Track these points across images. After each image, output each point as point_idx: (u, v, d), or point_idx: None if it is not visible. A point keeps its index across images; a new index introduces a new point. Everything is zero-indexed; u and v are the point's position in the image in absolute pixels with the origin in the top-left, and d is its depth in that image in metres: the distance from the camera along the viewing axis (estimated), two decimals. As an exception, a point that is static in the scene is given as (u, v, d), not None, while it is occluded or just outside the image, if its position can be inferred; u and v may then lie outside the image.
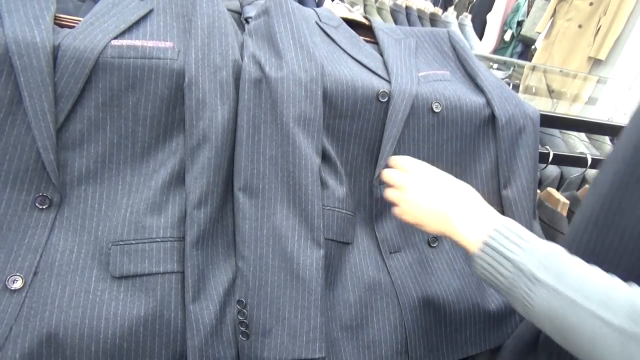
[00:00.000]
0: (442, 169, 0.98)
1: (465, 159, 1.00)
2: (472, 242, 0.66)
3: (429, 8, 2.93)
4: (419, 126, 0.94)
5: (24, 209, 0.74)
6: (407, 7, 2.78)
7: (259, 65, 0.83)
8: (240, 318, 0.80)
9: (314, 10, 1.03)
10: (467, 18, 2.97)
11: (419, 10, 2.83)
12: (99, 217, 0.77)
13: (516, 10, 4.65)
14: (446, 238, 0.73)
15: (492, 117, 0.99)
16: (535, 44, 4.22)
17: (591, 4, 3.38)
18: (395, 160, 0.82)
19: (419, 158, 0.97)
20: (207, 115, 0.79)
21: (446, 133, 0.97)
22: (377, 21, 1.11)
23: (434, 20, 2.89)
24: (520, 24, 4.58)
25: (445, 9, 2.93)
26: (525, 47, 4.57)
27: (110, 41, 0.76)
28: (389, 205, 0.92)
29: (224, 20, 0.85)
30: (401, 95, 0.91)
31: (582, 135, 1.84)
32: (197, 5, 0.85)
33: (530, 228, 1.00)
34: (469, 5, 3.15)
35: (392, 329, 0.89)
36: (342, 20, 1.05)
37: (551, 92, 2.88)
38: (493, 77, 1.03)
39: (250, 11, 1.03)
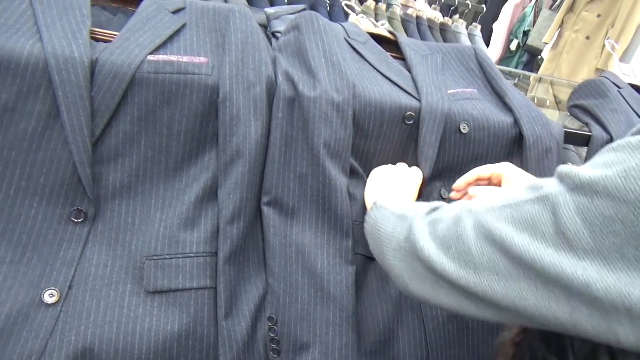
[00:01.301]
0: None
1: None
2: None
3: (439, 18, 2.94)
4: (445, 146, 0.94)
5: (60, 223, 0.74)
6: (417, 17, 2.79)
7: (292, 83, 0.84)
8: (272, 335, 0.80)
9: (342, 25, 1.04)
10: (476, 29, 2.98)
11: (429, 20, 2.84)
12: (132, 232, 0.77)
13: (522, 20, 4.66)
14: None
15: (520, 137, 0.99)
16: (542, 54, 4.23)
17: (599, 16, 3.39)
18: None
19: (442, 176, 0.97)
20: (241, 132, 0.79)
21: (472, 153, 0.97)
22: (402, 36, 1.11)
23: (444, 30, 2.90)
24: (526, 33, 4.60)
25: (450, 17, 2.94)
26: (531, 57, 4.58)
27: (146, 56, 0.76)
28: None
29: (257, 35, 0.85)
30: (433, 114, 0.91)
31: (596, 149, 1.84)
32: (230, 20, 0.85)
33: None
34: (478, 15, 3.16)
35: (417, 343, 0.89)
36: (369, 36, 1.05)
37: (558, 104, 2.89)
38: (521, 95, 1.04)
39: (278, 25, 1.03)
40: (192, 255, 0.77)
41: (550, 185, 0.46)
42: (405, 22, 2.73)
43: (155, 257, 0.76)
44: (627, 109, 1.11)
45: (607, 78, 1.19)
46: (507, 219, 0.48)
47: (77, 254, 0.74)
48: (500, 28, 4.77)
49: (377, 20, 2.56)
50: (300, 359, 0.79)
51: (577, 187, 0.43)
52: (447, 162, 0.96)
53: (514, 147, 1.01)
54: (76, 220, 0.75)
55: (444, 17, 2.95)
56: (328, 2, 2.58)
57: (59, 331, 0.70)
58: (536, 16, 4.56)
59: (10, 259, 0.71)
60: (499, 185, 0.87)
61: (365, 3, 2.76)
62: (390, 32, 1.13)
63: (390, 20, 2.74)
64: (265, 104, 0.81)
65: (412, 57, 1.04)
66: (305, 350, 0.79)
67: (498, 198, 0.52)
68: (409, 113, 0.90)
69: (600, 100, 1.12)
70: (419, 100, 0.93)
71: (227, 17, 0.86)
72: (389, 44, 1.12)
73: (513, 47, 4.69)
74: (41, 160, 0.72)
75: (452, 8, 3.04)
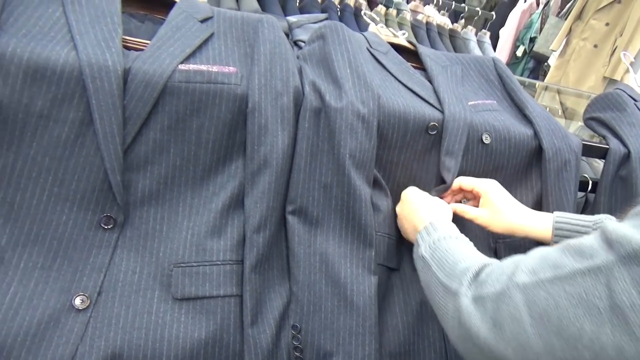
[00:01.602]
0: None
1: (508, 188, 1.01)
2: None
3: (448, 24, 2.95)
4: (468, 157, 0.95)
5: (89, 229, 0.75)
6: (427, 23, 2.80)
7: (319, 93, 0.85)
8: (295, 343, 0.81)
9: (364, 35, 1.05)
10: (485, 35, 2.99)
11: (438, 26, 2.85)
12: (160, 238, 0.78)
13: (529, 26, 4.67)
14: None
15: (539, 149, 1.00)
16: (549, 61, 4.24)
17: (607, 24, 3.40)
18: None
19: None
20: (269, 141, 0.80)
21: (493, 164, 0.98)
22: (421, 46, 1.12)
23: (453, 36, 2.91)
24: (532, 40, 4.61)
25: (457, 22, 2.96)
26: (537, 64, 4.60)
27: (177, 65, 0.77)
28: None
29: (284, 46, 0.86)
30: (455, 124, 0.92)
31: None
32: (259, 31, 0.86)
33: None
34: (487, 22, 3.18)
35: (437, 356, 0.90)
36: (390, 46, 1.06)
37: (565, 110, 2.90)
38: (540, 108, 1.05)
39: (300, 34, 1.05)
40: (219, 262, 0.78)
41: (600, 253, 0.45)
42: (414, 27, 2.74)
43: (182, 264, 0.76)
44: (645, 122, 1.12)
45: (623, 90, 1.20)
46: (560, 294, 0.46)
47: (106, 260, 0.75)
48: (507, 34, 4.78)
49: (386, 25, 2.57)
50: None
51: (631, 256, 0.41)
52: (469, 172, 0.96)
53: (533, 159, 1.02)
54: (105, 227, 0.76)
55: (452, 23, 2.97)
56: (339, 7, 2.59)
57: (88, 336, 0.71)
58: (543, 23, 4.57)
59: (41, 264, 0.72)
60: (477, 198, 0.90)
61: (375, 8, 2.77)
62: (410, 42, 1.14)
63: (400, 25, 2.75)
64: (292, 113, 0.82)
65: (433, 67, 1.05)
66: (328, 358, 0.80)
67: (541, 264, 0.51)
68: (432, 123, 0.91)
69: (618, 113, 1.13)
70: (441, 111, 0.94)
71: (256, 27, 0.87)
72: (408, 54, 1.13)
73: (519, 53, 4.70)
74: (73, 166, 0.73)
75: (464, 16, 3.05)
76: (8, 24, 0.73)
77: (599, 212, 1.13)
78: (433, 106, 0.94)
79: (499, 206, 0.86)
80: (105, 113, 0.72)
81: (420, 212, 0.83)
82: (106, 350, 0.70)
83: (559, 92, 3.23)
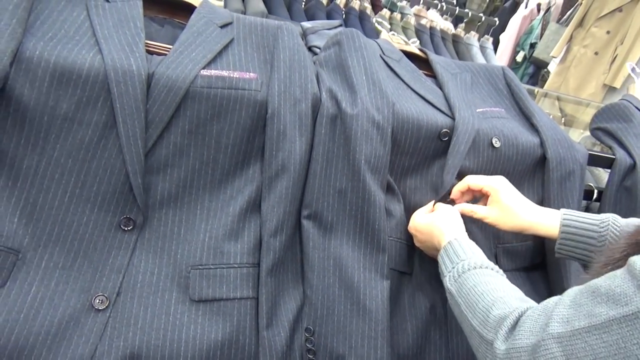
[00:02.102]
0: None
1: None
2: None
3: (451, 29, 2.97)
4: (479, 160, 0.96)
5: (109, 230, 0.76)
6: (431, 28, 2.82)
7: (335, 100, 0.86)
8: (308, 345, 0.82)
9: (377, 42, 1.06)
10: (488, 41, 3.01)
11: (442, 31, 2.87)
12: (178, 241, 0.79)
13: (530, 32, 4.70)
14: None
15: (544, 158, 1.02)
16: (549, 67, 4.27)
17: (608, 32, 3.43)
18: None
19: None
20: (287, 147, 0.81)
21: (500, 168, 1.00)
22: (432, 54, 1.14)
23: (456, 42, 2.93)
24: (533, 46, 4.64)
25: (456, 27, 2.98)
26: (537, 69, 4.62)
27: (200, 71, 0.78)
28: None
29: (303, 53, 0.87)
30: (464, 129, 0.93)
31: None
32: (279, 38, 0.87)
33: (569, 268, 1.03)
34: (490, 28, 3.20)
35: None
36: (402, 54, 1.08)
37: (564, 117, 2.93)
38: (547, 117, 1.06)
39: (315, 40, 1.06)
40: (236, 265, 0.79)
41: (634, 299, 0.46)
42: (418, 32, 2.76)
43: (200, 267, 0.78)
44: (650, 134, 1.14)
45: (629, 102, 1.22)
46: (598, 344, 0.47)
47: (125, 261, 0.76)
48: (507, 39, 4.80)
49: (390, 29, 2.58)
50: None
51: None
52: (478, 174, 0.98)
53: (537, 167, 1.04)
54: (125, 228, 0.77)
55: (455, 28, 2.99)
56: (344, 9, 2.61)
57: (107, 336, 0.72)
58: (543, 29, 4.60)
59: (62, 264, 0.73)
60: (485, 197, 0.90)
61: (380, 12, 2.79)
62: (421, 50, 1.16)
63: (404, 29, 2.77)
64: (310, 120, 0.84)
65: (443, 75, 1.07)
66: None
67: (575, 313, 0.52)
68: (444, 130, 0.93)
69: (624, 124, 1.15)
70: (452, 118, 0.95)
71: (275, 34, 0.88)
72: (419, 61, 1.15)
73: (519, 58, 4.72)
74: (95, 168, 0.74)
75: (466, 20, 3.07)
76: (35, 27, 0.74)
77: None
78: (444, 113, 0.96)
79: (507, 204, 0.86)
80: (128, 117, 0.73)
81: (438, 222, 0.84)
82: (125, 350, 0.72)
83: (558, 99, 3.26)
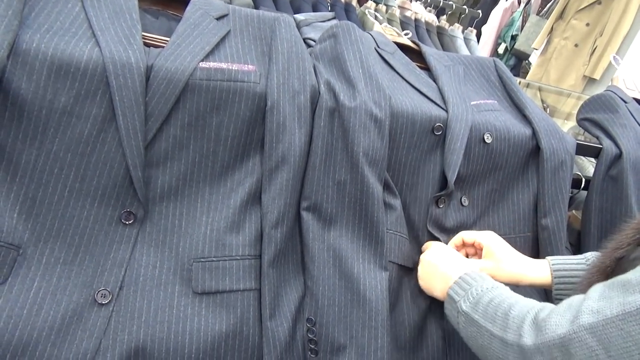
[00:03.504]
0: (482, 195, 1.03)
1: (506, 186, 1.05)
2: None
3: (435, 21, 2.99)
4: (470, 156, 0.98)
5: (110, 224, 0.76)
6: (416, 20, 2.83)
7: (333, 93, 0.87)
8: (310, 336, 0.83)
9: (371, 34, 1.07)
10: (472, 33, 3.04)
11: (427, 24, 2.89)
12: (179, 234, 0.79)
13: (511, 24, 4.76)
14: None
15: (537, 149, 1.04)
16: (530, 59, 4.33)
17: (588, 24, 3.49)
18: (425, 245, 0.95)
19: (464, 186, 1.01)
20: (287, 139, 0.81)
21: (492, 162, 1.01)
22: (425, 46, 1.15)
23: (440, 33, 2.95)
24: (514, 38, 4.70)
25: (438, 18, 3.01)
26: (518, 61, 4.69)
27: (198, 63, 0.78)
28: (442, 230, 0.97)
29: (300, 45, 0.87)
30: (459, 123, 0.95)
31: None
32: (276, 30, 0.87)
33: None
34: (474, 20, 3.23)
35: (440, 355, 0.94)
36: (396, 47, 1.08)
37: (546, 107, 2.98)
38: (538, 109, 1.08)
39: (309, 32, 1.06)
40: (238, 257, 0.79)
41: None
42: (403, 24, 2.78)
43: (202, 259, 0.78)
44: (634, 124, 1.17)
45: (614, 93, 1.25)
46: (637, 330, 0.49)
47: (127, 255, 0.76)
48: (489, 31, 4.85)
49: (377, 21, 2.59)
50: (336, 359, 0.82)
51: None
52: (470, 171, 1.00)
53: (530, 159, 1.06)
54: (126, 222, 0.76)
55: (438, 20, 3.01)
56: (329, 1, 2.60)
57: (111, 330, 0.72)
58: (524, 21, 4.66)
59: (63, 259, 0.73)
60: (479, 249, 0.93)
61: (365, 4, 2.79)
62: (413, 42, 1.17)
63: (389, 22, 2.78)
64: (309, 111, 0.84)
65: (437, 67, 1.08)
66: (341, 351, 0.82)
67: (605, 304, 0.53)
68: (437, 124, 0.94)
69: (611, 114, 1.18)
70: (446, 111, 0.96)
71: (273, 26, 0.88)
72: (411, 53, 1.16)
73: (501, 50, 4.78)
74: (94, 162, 0.74)
75: (449, 12, 3.09)
76: (30, 19, 0.72)
77: (590, 210, 1.18)
78: (439, 106, 0.97)
79: (499, 256, 0.89)
80: (128, 110, 0.72)
81: (442, 267, 0.85)
82: (129, 344, 0.72)
83: (540, 89, 3.31)
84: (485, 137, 0.99)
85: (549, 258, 0.88)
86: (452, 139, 0.94)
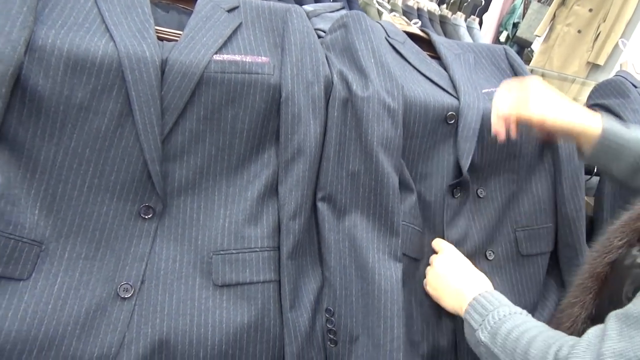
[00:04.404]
0: (499, 186, 1.02)
1: (523, 177, 1.05)
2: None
3: (438, 10, 2.98)
4: (483, 144, 0.98)
5: (129, 219, 0.76)
6: (418, 9, 2.82)
7: (346, 83, 0.86)
8: (329, 326, 0.83)
9: (381, 24, 1.06)
10: (475, 21, 3.02)
11: (429, 12, 2.87)
12: (197, 227, 0.79)
13: (512, 12, 4.74)
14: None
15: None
16: (533, 46, 4.31)
17: (591, 10, 3.47)
18: (435, 242, 0.94)
19: (479, 177, 1.01)
20: (302, 130, 0.81)
21: (506, 151, 1.01)
22: (434, 35, 1.15)
23: (443, 22, 2.93)
24: (515, 25, 4.67)
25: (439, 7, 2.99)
26: (520, 49, 4.67)
27: (212, 56, 0.78)
28: (456, 221, 0.97)
29: (313, 35, 0.87)
30: (470, 111, 0.94)
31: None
32: (288, 21, 0.87)
33: (582, 249, 1.05)
34: (476, 9, 3.22)
35: (450, 348, 0.94)
36: (406, 36, 1.08)
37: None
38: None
39: (318, 23, 1.05)
40: (257, 249, 0.80)
41: None
42: (406, 13, 2.76)
43: (222, 252, 0.78)
44: (646, 108, 1.17)
45: (624, 77, 1.24)
46: None
47: (147, 249, 0.76)
48: (490, 19, 4.83)
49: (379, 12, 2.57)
50: (355, 348, 0.83)
51: None
52: (484, 160, 1.00)
53: (544, 147, 1.06)
54: (145, 216, 0.77)
55: (448, 11, 2.99)
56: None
57: (134, 324, 0.72)
58: (525, 8, 4.64)
59: (85, 254, 0.73)
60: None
61: (368, -7, 2.77)
62: (423, 31, 1.16)
63: (392, 11, 2.76)
64: (323, 102, 0.84)
65: (447, 55, 1.08)
66: (358, 341, 0.83)
67: (626, 343, 0.53)
68: (450, 113, 0.94)
69: (622, 99, 1.18)
70: (458, 99, 0.96)
71: (284, 18, 0.87)
72: (421, 42, 1.15)
73: (502, 38, 4.75)
74: (112, 157, 0.74)
75: (450, 1, 3.08)
76: (44, 14, 0.72)
77: (602, 195, 1.18)
78: (450, 94, 0.97)
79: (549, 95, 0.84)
80: (144, 104, 0.72)
81: (454, 282, 0.84)
82: (153, 337, 0.72)
83: (543, 75, 3.30)
84: None
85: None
86: (465, 126, 0.94)
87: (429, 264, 0.93)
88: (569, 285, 0.77)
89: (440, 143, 0.96)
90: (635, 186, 0.82)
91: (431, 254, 0.95)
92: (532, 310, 1.03)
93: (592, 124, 0.82)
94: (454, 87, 0.99)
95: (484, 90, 1.03)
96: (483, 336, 0.71)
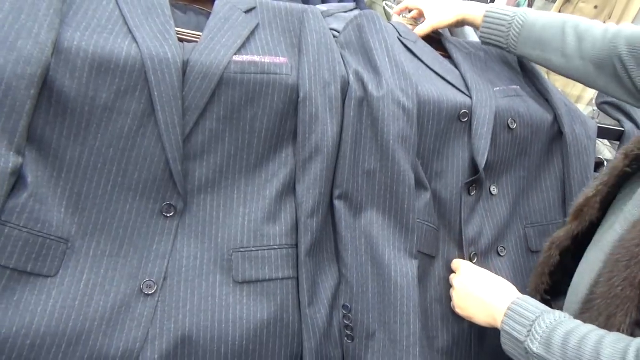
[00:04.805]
0: (510, 183, 1.04)
1: (533, 173, 1.06)
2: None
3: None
4: (496, 143, 0.99)
5: (152, 217, 0.77)
6: (424, 7, 2.82)
7: (362, 82, 0.88)
8: (346, 322, 0.85)
9: (392, 24, 1.08)
10: (480, 18, 3.03)
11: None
12: (217, 225, 0.81)
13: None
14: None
15: (559, 134, 1.05)
16: (537, 43, 4.30)
17: (596, 7, 3.46)
18: (452, 263, 0.94)
19: (492, 174, 1.02)
20: (320, 129, 0.83)
21: (517, 149, 1.02)
22: (444, 34, 1.16)
23: (449, 20, 2.94)
24: (520, 22, 4.67)
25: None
26: (525, 46, 4.67)
27: (232, 57, 0.79)
28: (472, 218, 0.98)
29: (329, 36, 0.89)
30: (484, 109, 0.96)
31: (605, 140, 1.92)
32: (305, 22, 0.88)
33: None
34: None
35: (466, 343, 0.96)
36: (418, 35, 1.09)
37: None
38: (560, 94, 1.09)
39: (332, 23, 1.06)
40: (276, 247, 0.81)
41: None
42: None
43: (242, 250, 0.80)
44: (655, 106, 1.18)
45: (634, 76, 1.25)
46: None
47: (169, 246, 0.78)
48: (494, 16, 4.82)
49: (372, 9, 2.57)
50: (372, 344, 0.84)
51: None
52: (497, 158, 1.01)
53: (554, 144, 1.07)
54: (167, 215, 0.78)
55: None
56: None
57: (158, 320, 0.74)
58: (530, 5, 4.63)
59: (109, 251, 0.75)
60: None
61: (373, -8, 2.77)
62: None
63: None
64: (339, 102, 0.86)
65: (458, 54, 1.09)
66: (375, 337, 0.84)
67: None
68: (463, 111, 0.95)
69: (631, 97, 1.19)
70: (470, 97, 0.97)
71: (301, 18, 0.89)
72: (432, 41, 1.16)
73: (506, 35, 4.76)
74: (135, 157, 0.75)
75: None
76: (69, 17, 0.74)
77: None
78: (463, 93, 0.98)
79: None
80: (166, 104, 0.74)
81: (482, 295, 0.82)
82: (176, 332, 0.74)
83: (548, 73, 3.30)
84: (510, 123, 0.99)
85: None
86: (479, 124, 0.95)
87: (446, 265, 0.94)
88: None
89: (454, 141, 0.97)
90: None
91: (446, 253, 0.96)
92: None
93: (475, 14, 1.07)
94: (466, 85, 1.01)
95: (496, 88, 1.04)
96: (535, 347, 0.67)
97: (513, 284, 0.85)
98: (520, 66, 1.15)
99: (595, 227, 0.80)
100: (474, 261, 0.97)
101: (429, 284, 0.94)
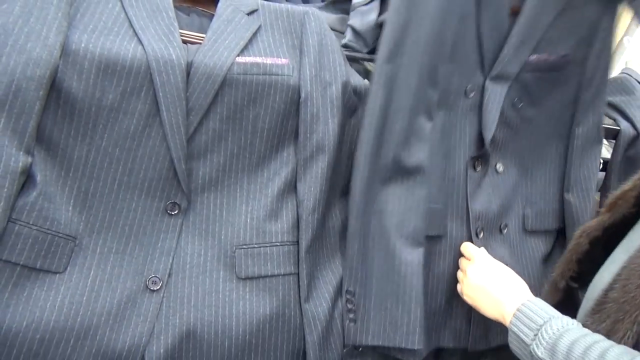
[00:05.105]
0: (514, 163, 1.04)
1: (537, 153, 1.07)
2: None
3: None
4: (503, 120, 0.99)
5: (157, 215, 0.79)
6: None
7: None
8: (349, 306, 0.87)
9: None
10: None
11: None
12: (221, 222, 0.83)
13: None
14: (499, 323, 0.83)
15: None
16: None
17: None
18: (464, 247, 0.94)
19: (497, 151, 1.02)
20: (321, 129, 0.85)
21: (524, 129, 1.03)
22: None
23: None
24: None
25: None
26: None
27: (235, 58, 0.81)
28: (477, 194, 0.99)
29: (330, 37, 0.90)
30: (494, 89, 0.95)
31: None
32: (306, 23, 0.90)
33: None
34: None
35: (465, 325, 0.98)
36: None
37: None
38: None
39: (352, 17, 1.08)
40: (278, 244, 0.83)
41: None
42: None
43: (244, 246, 0.82)
44: (651, 106, 1.20)
45: (630, 75, 1.27)
46: None
47: (173, 244, 0.80)
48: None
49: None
50: (373, 327, 0.86)
51: None
52: (503, 135, 1.01)
53: (559, 127, 1.08)
54: (171, 213, 0.80)
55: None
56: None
57: (163, 315, 0.76)
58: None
59: (115, 248, 0.77)
60: None
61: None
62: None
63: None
64: (340, 102, 0.88)
65: None
66: (377, 320, 0.86)
67: None
68: (469, 86, 0.95)
69: (627, 96, 1.21)
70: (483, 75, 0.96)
71: (302, 20, 0.91)
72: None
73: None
74: (141, 156, 0.77)
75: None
76: (76, 20, 0.76)
77: (608, 190, 1.21)
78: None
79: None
80: (171, 105, 0.76)
81: (493, 291, 0.82)
82: (181, 327, 0.76)
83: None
84: (516, 102, 1.00)
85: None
86: (489, 99, 0.95)
87: (451, 242, 0.96)
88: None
89: (463, 118, 0.97)
90: None
91: (453, 231, 0.97)
92: (537, 278, 1.05)
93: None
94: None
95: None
96: (540, 352, 0.67)
97: (507, 262, 0.86)
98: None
99: (630, 223, 0.78)
100: (480, 236, 0.99)
101: (434, 264, 0.96)
